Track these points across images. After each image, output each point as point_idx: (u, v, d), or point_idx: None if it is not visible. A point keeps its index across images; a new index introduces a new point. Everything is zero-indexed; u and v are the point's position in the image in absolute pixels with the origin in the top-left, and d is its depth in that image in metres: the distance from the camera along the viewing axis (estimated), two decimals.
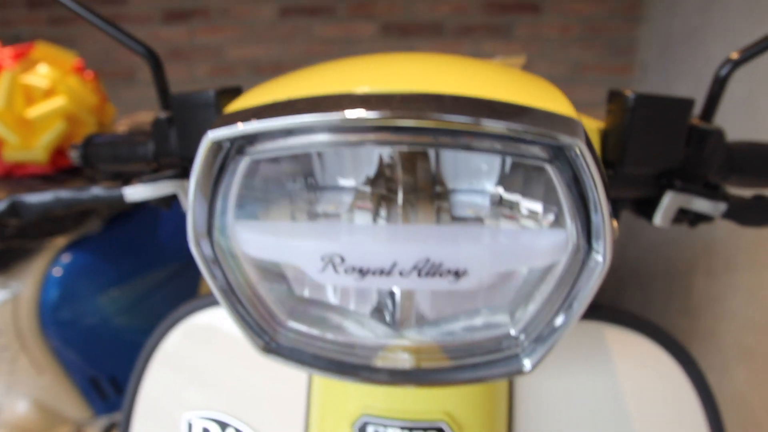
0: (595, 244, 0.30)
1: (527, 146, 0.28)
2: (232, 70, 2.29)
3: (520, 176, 0.31)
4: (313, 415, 0.47)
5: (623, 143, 0.41)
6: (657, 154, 0.42)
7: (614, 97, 0.42)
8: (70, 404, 1.13)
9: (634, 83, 2.13)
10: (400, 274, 0.30)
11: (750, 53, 0.42)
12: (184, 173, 0.47)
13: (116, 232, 1.10)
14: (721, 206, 0.42)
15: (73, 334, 1.05)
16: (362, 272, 0.30)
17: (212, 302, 0.56)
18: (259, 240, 0.32)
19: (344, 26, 2.18)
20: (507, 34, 2.13)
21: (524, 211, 0.32)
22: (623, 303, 2.22)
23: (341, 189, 0.33)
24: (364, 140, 0.28)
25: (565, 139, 0.26)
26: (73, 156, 0.55)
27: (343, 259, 0.30)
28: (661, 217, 0.43)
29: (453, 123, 0.25)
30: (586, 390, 0.48)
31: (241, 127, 0.27)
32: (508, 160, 0.31)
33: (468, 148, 0.27)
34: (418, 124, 0.26)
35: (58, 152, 1.01)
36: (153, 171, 0.47)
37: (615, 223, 0.30)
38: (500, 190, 0.32)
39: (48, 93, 0.97)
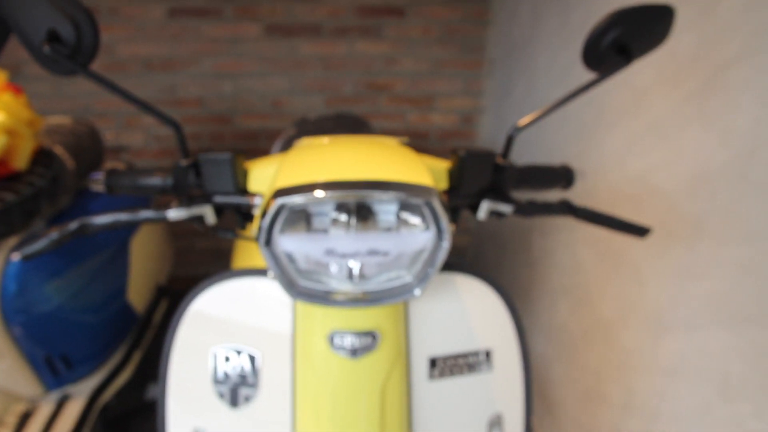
0: (443, 239, 0.61)
1: (414, 198, 0.57)
2: (124, 66, 2.33)
3: (409, 210, 0.62)
4: (299, 336, 0.74)
5: (460, 177, 0.70)
6: (478, 181, 0.71)
7: (454, 152, 0.70)
8: (25, 384, 1.25)
9: (482, 77, 2.52)
10: (359, 255, 0.62)
11: (528, 123, 0.72)
12: (206, 200, 0.68)
13: None
14: (511, 207, 0.73)
15: (30, 320, 1.17)
16: (343, 255, 0.62)
17: (234, 275, 0.79)
18: (296, 243, 0.61)
19: (231, 27, 2.31)
20: (377, 35, 2.41)
21: (411, 223, 0.63)
22: (483, 258, 2.59)
23: (327, 218, 0.62)
24: (336, 197, 0.56)
25: (427, 198, 0.57)
26: (97, 185, 0.71)
27: (334, 250, 0.61)
28: (482, 214, 0.74)
29: (374, 196, 0.56)
30: (446, 312, 0.82)
31: (297, 199, 0.55)
32: (407, 204, 0.62)
33: (397, 199, 0.59)
34: (360, 198, 0.58)
35: (1, 163, 1.12)
36: (188, 198, 0.68)
37: (453, 226, 0.61)
38: (401, 215, 0.62)
39: None
